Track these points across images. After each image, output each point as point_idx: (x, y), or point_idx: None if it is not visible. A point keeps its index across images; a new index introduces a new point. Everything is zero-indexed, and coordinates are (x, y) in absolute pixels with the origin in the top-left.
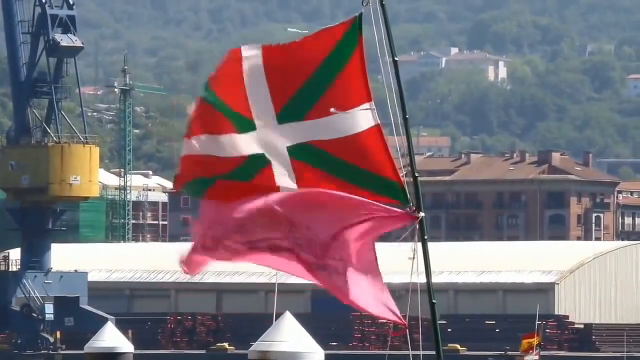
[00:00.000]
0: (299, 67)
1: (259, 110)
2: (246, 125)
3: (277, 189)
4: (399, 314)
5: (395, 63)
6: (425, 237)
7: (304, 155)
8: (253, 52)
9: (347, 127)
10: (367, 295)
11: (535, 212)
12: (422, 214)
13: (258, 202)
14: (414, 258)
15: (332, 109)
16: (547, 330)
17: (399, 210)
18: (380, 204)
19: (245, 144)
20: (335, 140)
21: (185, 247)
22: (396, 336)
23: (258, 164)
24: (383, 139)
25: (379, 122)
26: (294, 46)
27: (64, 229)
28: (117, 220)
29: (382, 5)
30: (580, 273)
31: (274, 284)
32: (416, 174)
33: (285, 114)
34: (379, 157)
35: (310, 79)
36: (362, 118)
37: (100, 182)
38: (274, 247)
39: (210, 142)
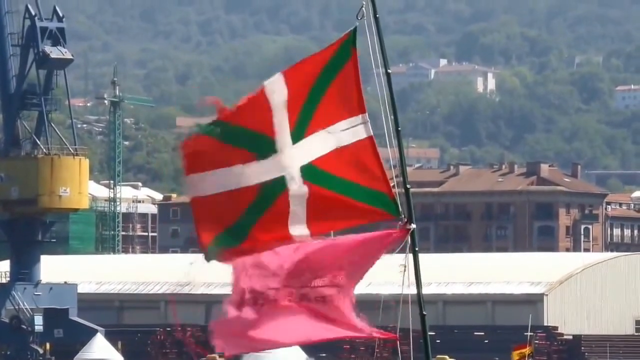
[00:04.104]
0: (303, 84)
1: (281, 132)
2: (268, 145)
3: (286, 211)
4: (380, 330)
5: (388, 75)
6: (416, 248)
7: (309, 176)
8: (276, 78)
9: (338, 139)
10: (355, 319)
11: (524, 223)
12: (413, 226)
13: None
14: (404, 270)
15: (320, 127)
16: (537, 342)
17: (390, 229)
18: (372, 233)
19: (264, 170)
20: (328, 154)
21: (176, 259)
22: (385, 347)
23: (276, 190)
24: (376, 151)
25: (371, 134)
26: (303, 63)
27: (54, 240)
28: (107, 232)
29: (376, 19)
30: (569, 284)
31: None
32: (408, 186)
33: (296, 132)
34: (371, 169)
35: (309, 94)
36: (354, 130)
37: (90, 193)
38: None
39: (219, 177)
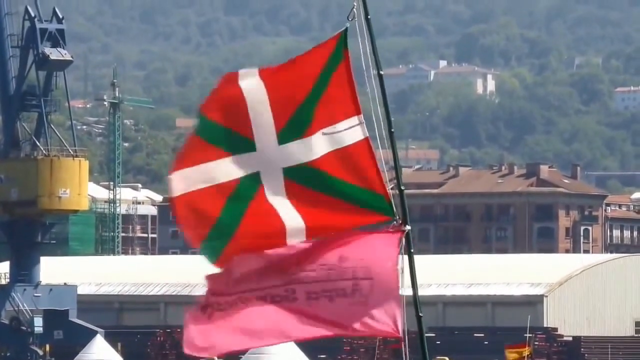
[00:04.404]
0: (297, 85)
1: (261, 133)
2: (246, 145)
3: (275, 212)
4: (398, 326)
5: (380, 77)
6: (412, 250)
7: (297, 177)
8: (251, 75)
9: (335, 141)
10: (357, 316)
11: (523, 224)
12: (408, 227)
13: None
14: (401, 272)
15: (317, 129)
16: (536, 343)
17: (384, 229)
18: (366, 229)
19: (239, 165)
20: (325, 155)
21: (173, 261)
22: (386, 348)
23: (252, 186)
24: (372, 152)
25: (367, 135)
26: (290, 65)
27: (54, 242)
28: (107, 234)
29: (368, 20)
30: (568, 286)
31: None
32: (402, 187)
33: (286, 134)
34: (367, 170)
35: (308, 96)
36: (350, 131)
37: (89, 195)
38: (278, 295)
39: (200, 173)
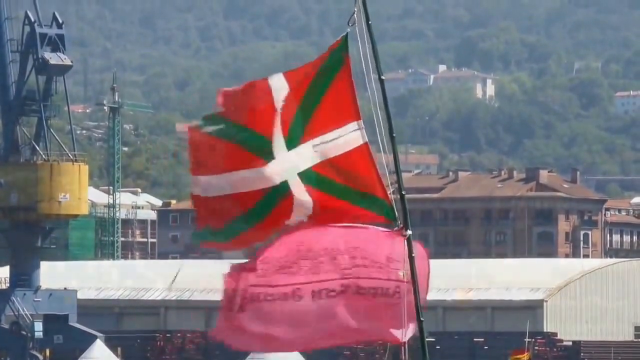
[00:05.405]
0: (296, 90)
1: (277, 137)
2: (269, 153)
3: (290, 219)
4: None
5: (381, 81)
6: (413, 254)
7: (309, 180)
8: (280, 80)
9: (336, 146)
10: (361, 322)
11: (523, 229)
12: (409, 232)
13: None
14: (402, 277)
15: (317, 134)
16: (536, 348)
17: (386, 229)
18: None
19: (264, 176)
20: (327, 161)
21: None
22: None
23: (279, 194)
24: (371, 157)
25: (367, 140)
26: (300, 69)
27: (53, 246)
28: (106, 238)
29: (368, 25)
30: (568, 290)
31: None
32: (403, 192)
33: (290, 140)
34: (367, 175)
35: (302, 102)
36: (351, 137)
37: (89, 199)
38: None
39: (227, 180)
